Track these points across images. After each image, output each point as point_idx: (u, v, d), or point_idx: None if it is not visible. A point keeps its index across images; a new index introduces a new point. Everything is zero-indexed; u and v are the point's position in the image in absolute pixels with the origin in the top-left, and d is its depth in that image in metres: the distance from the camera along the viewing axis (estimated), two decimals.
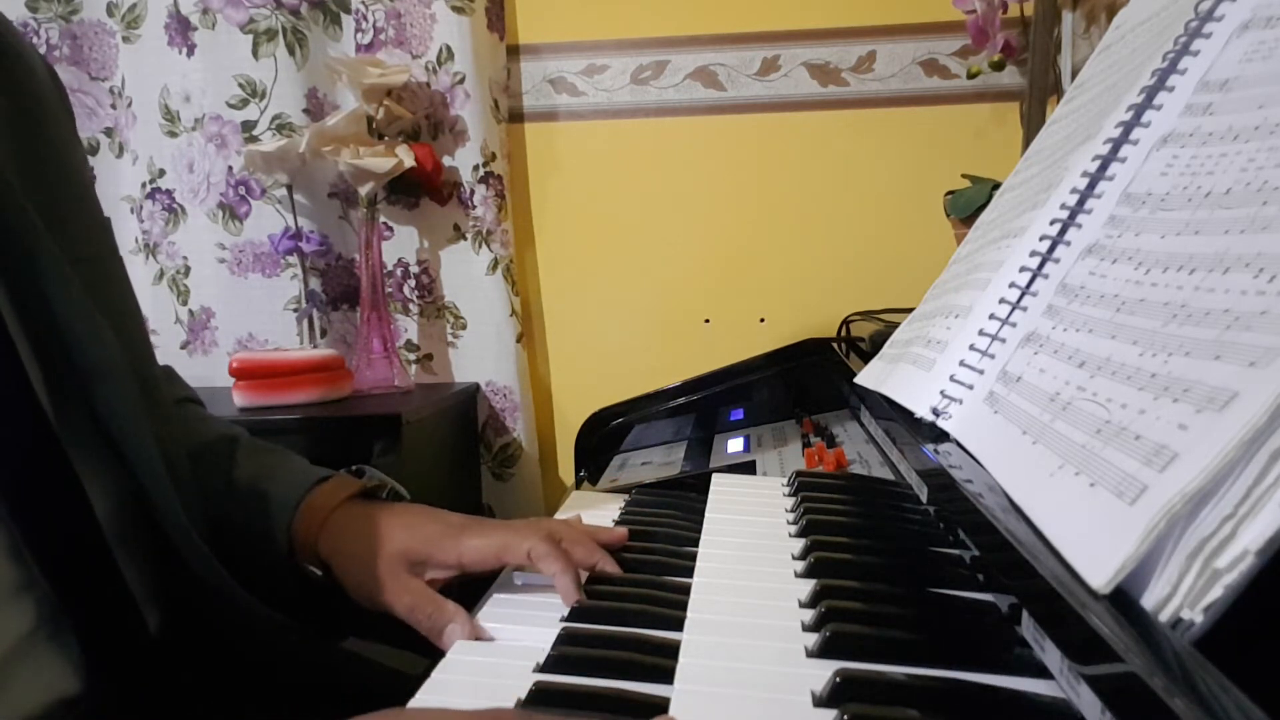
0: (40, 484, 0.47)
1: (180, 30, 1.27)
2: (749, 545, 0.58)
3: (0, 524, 0.44)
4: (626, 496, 0.78)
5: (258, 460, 0.65)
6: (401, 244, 1.34)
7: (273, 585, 0.59)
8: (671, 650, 0.42)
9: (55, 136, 0.54)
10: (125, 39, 1.31)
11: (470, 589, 0.58)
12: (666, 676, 0.39)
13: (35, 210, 0.48)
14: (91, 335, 0.49)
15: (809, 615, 0.45)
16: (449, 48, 1.26)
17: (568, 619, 0.49)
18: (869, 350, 0.81)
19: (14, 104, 0.51)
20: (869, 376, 0.67)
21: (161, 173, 1.34)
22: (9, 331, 0.46)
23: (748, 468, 0.83)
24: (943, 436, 0.49)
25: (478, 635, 0.50)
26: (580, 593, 0.53)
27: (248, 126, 1.28)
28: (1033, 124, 1.02)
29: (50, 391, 0.48)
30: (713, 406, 1.05)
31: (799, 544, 0.56)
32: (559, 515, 0.69)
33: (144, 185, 1.35)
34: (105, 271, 0.55)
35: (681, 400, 1.05)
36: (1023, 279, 0.49)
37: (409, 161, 1.19)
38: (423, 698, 0.41)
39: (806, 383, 1.02)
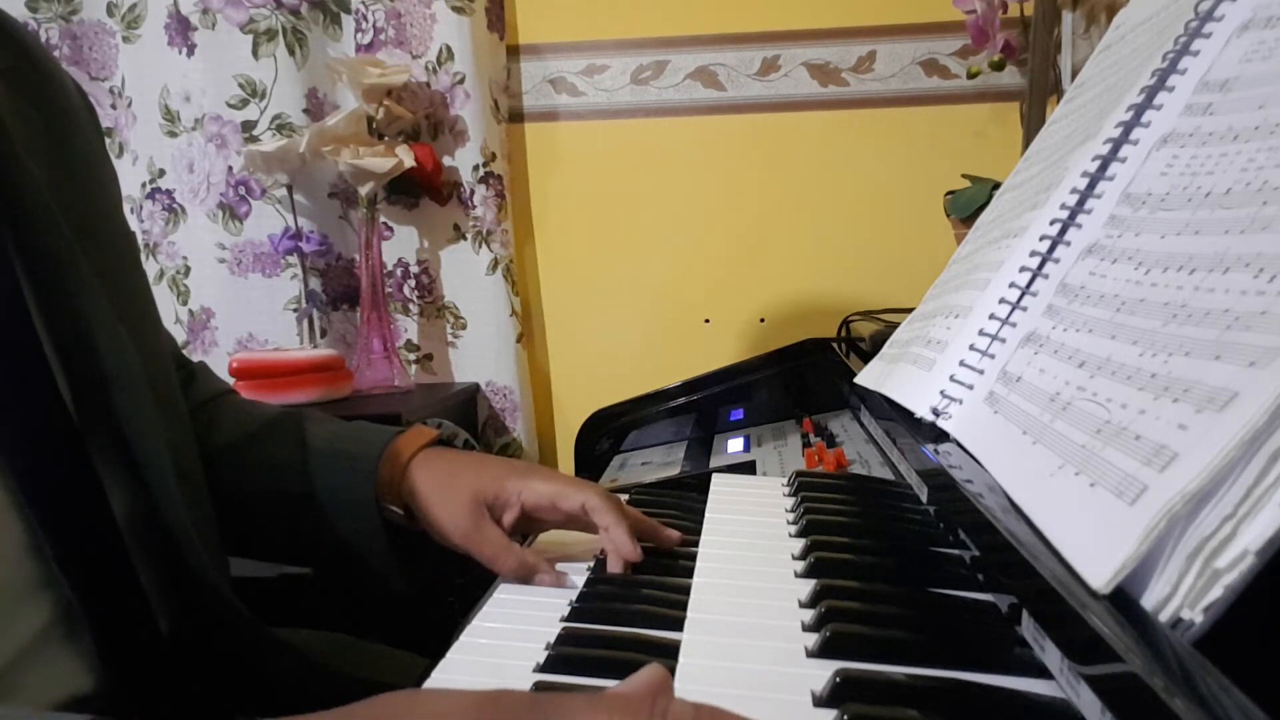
0: (63, 482, 0.48)
1: (180, 30, 1.27)
2: (749, 545, 0.57)
3: (22, 519, 0.45)
4: (626, 497, 0.78)
5: (330, 426, 0.68)
6: (401, 244, 1.34)
7: (359, 532, 0.62)
8: (671, 650, 0.42)
9: (85, 152, 0.56)
10: (125, 39, 1.31)
11: (470, 588, 0.59)
12: None
13: (66, 222, 0.50)
14: (113, 344, 0.51)
15: (809, 615, 0.45)
16: (449, 48, 1.26)
17: (568, 619, 0.49)
18: (869, 350, 0.81)
19: (47, 120, 0.52)
20: (869, 376, 0.67)
21: (161, 173, 1.34)
22: (38, 335, 0.48)
23: (748, 468, 0.83)
24: (943, 436, 0.49)
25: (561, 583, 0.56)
26: (638, 548, 0.55)
27: (248, 126, 1.28)
28: (1033, 124, 1.02)
29: (74, 395, 0.49)
30: (713, 406, 1.05)
31: (799, 544, 0.56)
32: None
33: (144, 185, 1.35)
34: (129, 284, 0.57)
35: (681, 400, 1.05)
36: (1023, 279, 0.49)
37: (409, 161, 1.19)
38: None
39: (806, 383, 1.02)
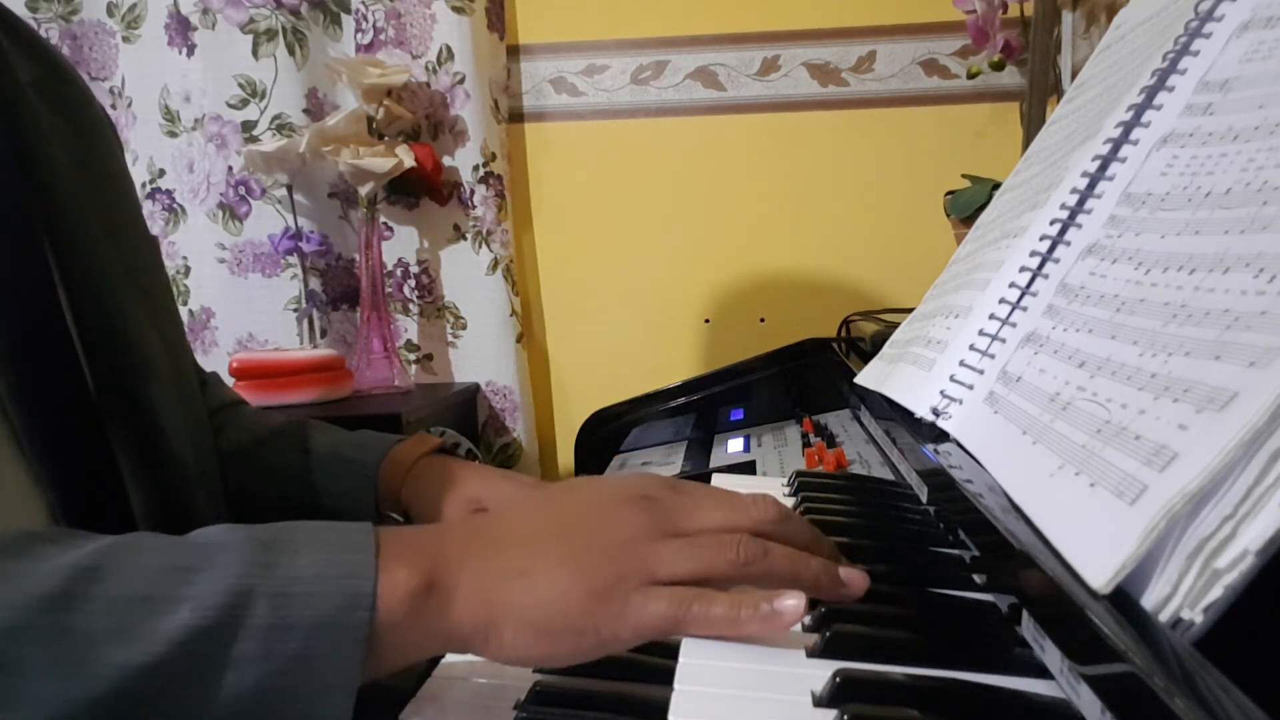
0: (84, 469, 0.48)
1: (180, 30, 1.27)
2: None
3: (45, 502, 0.45)
4: None
5: (334, 434, 0.69)
6: (401, 244, 1.34)
7: None
8: (671, 650, 0.42)
9: (108, 158, 0.58)
10: (125, 39, 1.31)
11: None
12: (666, 677, 0.39)
13: (95, 222, 0.52)
14: (140, 337, 0.53)
15: (809, 616, 0.44)
16: (449, 48, 1.26)
17: None
18: (869, 350, 0.81)
19: (75, 128, 0.54)
20: (869, 376, 0.67)
21: (161, 173, 1.34)
22: (68, 326, 0.49)
23: (748, 468, 0.83)
24: (943, 436, 0.49)
25: None
26: None
27: (248, 126, 1.28)
28: (1033, 124, 1.02)
29: (98, 385, 0.50)
30: (713, 406, 1.05)
31: None
32: None
33: (144, 185, 1.35)
34: (154, 283, 0.59)
35: (681, 400, 1.05)
36: (1023, 279, 0.49)
37: (409, 161, 1.19)
38: (421, 699, 0.41)
39: (806, 383, 1.01)
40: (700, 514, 0.42)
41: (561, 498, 0.44)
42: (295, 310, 1.31)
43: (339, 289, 1.35)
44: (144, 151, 1.34)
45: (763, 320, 1.36)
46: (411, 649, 0.37)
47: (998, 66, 1.13)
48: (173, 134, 1.32)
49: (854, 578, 0.42)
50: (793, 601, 0.39)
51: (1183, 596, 0.27)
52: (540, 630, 0.37)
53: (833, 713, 0.34)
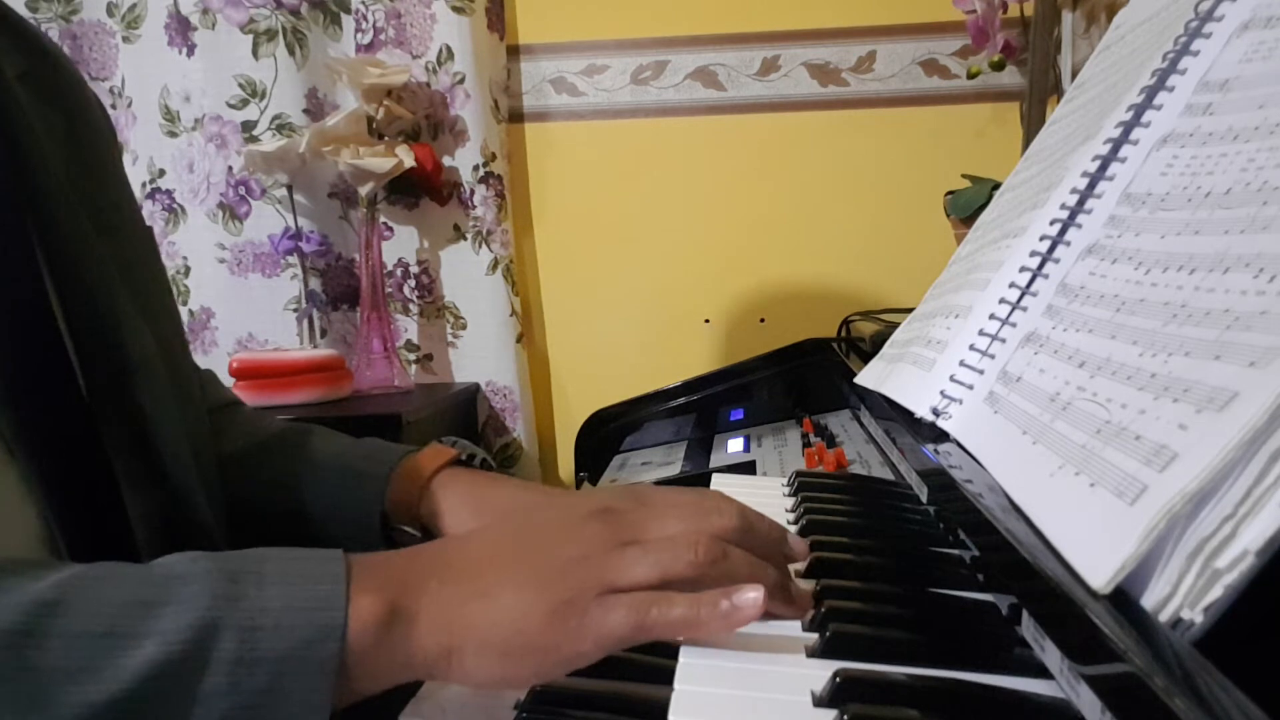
0: (77, 475, 0.48)
1: (180, 30, 1.27)
2: None
3: (36, 511, 0.45)
4: None
5: (338, 442, 0.67)
6: (401, 244, 1.34)
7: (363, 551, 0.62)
8: (671, 650, 0.42)
9: (103, 151, 0.57)
10: (125, 39, 1.31)
11: None
12: (666, 676, 0.39)
13: (85, 216, 0.51)
14: (133, 335, 0.52)
15: (809, 615, 0.44)
16: (449, 48, 1.26)
17: None
18: (869, 350, 0.81)
19: (67, 119, 0.54)
20: (869, 376, 0.67)
21: (161, 173, 1.34)
22: (58, 326, 0.49)
23: (748, 468, 0.83)
24: (943, 436, 0.49)
25: None
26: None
27: (248, 126, 1.28)
28: (1033, 124, 1.02)
29: (89, 386, 0.50)
30: (713, 406, 1.05)
31: None
32: None
33: (144, 185, 1.35)
34: (148, 278, 0.57)
35: (681, 400, 1.05)
36: (1023, 279, 0.49)
37: (409, 161, 1.19)
38: (420, 698, 0.41)
39: (806, 383, 1.02)
40: (661, 522, 0.42)
41: (530, 517, 0.44)
42: (295, 310, 1.31)
43: (339, 289, 1.35)
44: (144, 151, 1.34)
45: (763, 320, 1.36)
46: (381, 677, 0.36)
47: (998, 66, 1.13)
48: (173, 134, 1.32)
49: (804, 598, 0.43)
50: (752, 595, 0.38)
51: (1183, 596, 0.27)
52: (502, 651, 0.37)
53: (833, 713, 0.34)
